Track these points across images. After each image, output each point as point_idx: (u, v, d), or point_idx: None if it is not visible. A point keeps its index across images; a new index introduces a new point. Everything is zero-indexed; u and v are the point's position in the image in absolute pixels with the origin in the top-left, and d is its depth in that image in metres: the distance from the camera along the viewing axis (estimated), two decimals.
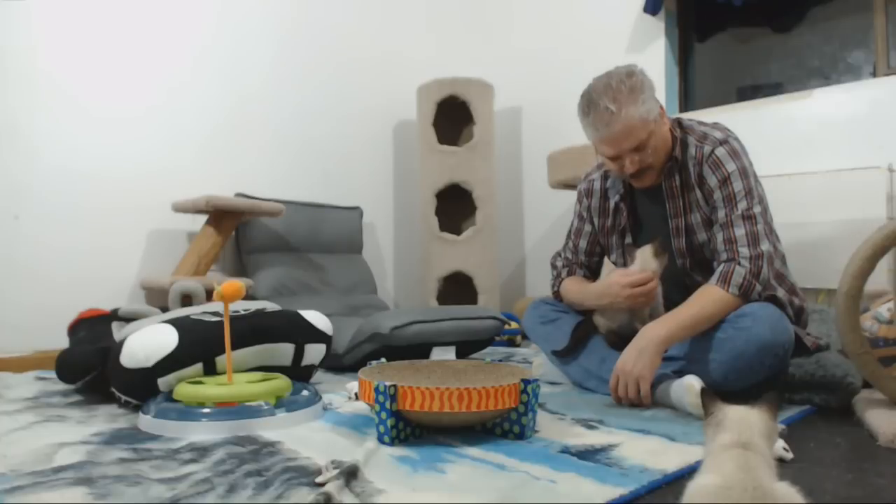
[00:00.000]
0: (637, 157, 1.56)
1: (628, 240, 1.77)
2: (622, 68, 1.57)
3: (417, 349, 2.08)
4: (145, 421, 1.37)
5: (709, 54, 3.12)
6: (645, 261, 1.64)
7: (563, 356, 1.79)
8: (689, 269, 1.68)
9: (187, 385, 1.41)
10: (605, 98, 1.52)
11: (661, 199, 1.67)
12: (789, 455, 1.11)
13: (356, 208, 3.20)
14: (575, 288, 1.83)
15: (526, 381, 1.24)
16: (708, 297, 1.52)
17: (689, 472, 0.96)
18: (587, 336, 1.77)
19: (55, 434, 1.31)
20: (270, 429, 1.33)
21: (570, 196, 2.70)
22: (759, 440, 0.80)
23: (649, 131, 1.54)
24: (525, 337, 2.83)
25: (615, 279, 1.66)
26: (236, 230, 2.80)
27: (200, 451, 1.18)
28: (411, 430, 1.24)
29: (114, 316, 1.99)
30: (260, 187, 2.90)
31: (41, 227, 2.35)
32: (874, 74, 2.59)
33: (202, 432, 1.29)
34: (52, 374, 1.87)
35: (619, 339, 1.67)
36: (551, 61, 3.49)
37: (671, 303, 1.59)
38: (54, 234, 2.38)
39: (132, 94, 2.59)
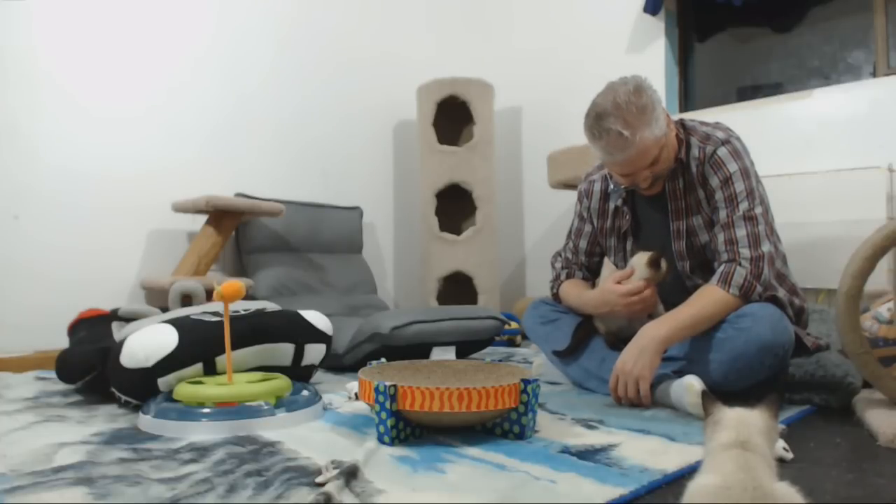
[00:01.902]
0: (650, 172, 1.55)
1: (629, 244, 1.77)
2: (628, 82, 1.51)
3: (417, 349, 2.08)
4: (145, 421, 1.37)
5: (709, 54, 3.12)
6: (639, 268, 1.64)
7: (565, 356, 1.79)
8: (690, 272, 1.67)
9: (187, 385, 1.41)
10: (617, 122, 1.47)
11: (662, 202, 1.67)
12: (789, 455, 1.11)
13: (356, 208, 3.20)
14: (573, 293, 1.83)
15: (526, 381, 1.24)
16: (708, 298, 1.52)
17: (689, 472, 0.96)
18: (588, 336, 1.77)
19: (55, 434, 1.31)
20: (270, 429, 1.33)
21: (570, 196, 2.70)
22: (758, 440, 0.80)
23: (661, 146, 1.53)
24: (525, 337, 2.83)
25: (612, 288, 1.65)
26: (236, 230, 2.80)
27: (200, 451, 1.18)
28: (411, 430, 1.24)
29: (114, 316, 1.99)
30: (260, 187, 2.90)
31: (41, 227, 2.35)
32: (874, 74, 2.59)
33: (202, 432, 1.29)
34: (52, 374, 1.88)
35: (619, 341, 1.67)
36: (551, 61, 3.49)
37: (671, 305, 1.59)
38: (54, 234, 2.38)
39: (132, 94, 2.59)
